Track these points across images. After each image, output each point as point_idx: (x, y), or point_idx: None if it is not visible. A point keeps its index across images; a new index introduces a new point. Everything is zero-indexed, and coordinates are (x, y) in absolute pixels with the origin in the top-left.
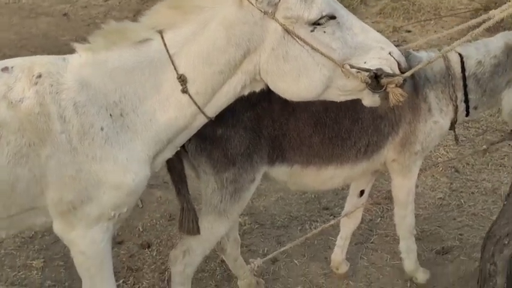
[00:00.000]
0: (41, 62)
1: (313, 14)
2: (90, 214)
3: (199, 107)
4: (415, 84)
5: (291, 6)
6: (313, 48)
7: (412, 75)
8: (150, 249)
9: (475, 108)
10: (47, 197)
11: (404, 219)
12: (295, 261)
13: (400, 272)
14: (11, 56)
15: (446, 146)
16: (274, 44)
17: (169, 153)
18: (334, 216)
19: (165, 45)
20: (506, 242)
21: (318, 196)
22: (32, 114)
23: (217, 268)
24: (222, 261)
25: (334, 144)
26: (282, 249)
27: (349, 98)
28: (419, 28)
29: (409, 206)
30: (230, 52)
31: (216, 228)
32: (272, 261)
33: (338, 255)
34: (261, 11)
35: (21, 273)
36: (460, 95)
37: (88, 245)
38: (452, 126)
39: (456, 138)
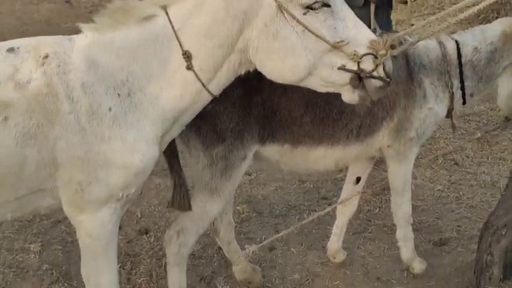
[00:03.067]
0: (47, 43)
1: None
2: (98, 196)
3: (203, 84)
4: (410, 71)
5: None
6: (303, 30)
7: (407, 62)
8: (147, 235)
9: (471, 95)
10: (56, 178)
11: (400, 207)
12: (293, 250)
13: (398, 262)
14: None
15: (446, 138)
16: (267, 20)
17: (175, 132)
18: None
19: (169, 20)
20: (503, 233)
21: (316, 186)
22: (39, 95)
23: (215, 255)
24: (220, 248)
25: (324, 125)
26: (277, 235)
27: (330, 90)
28: (423, 22)
29: (405, 194)
30: (228, 24)
31: (209, 207)
32: (269, 249)
33: (334, 243)
34: None
35: (18, 256)
36: (456, 82)
37: (96, 227)
38: (449, 114)
39: (453, 126)
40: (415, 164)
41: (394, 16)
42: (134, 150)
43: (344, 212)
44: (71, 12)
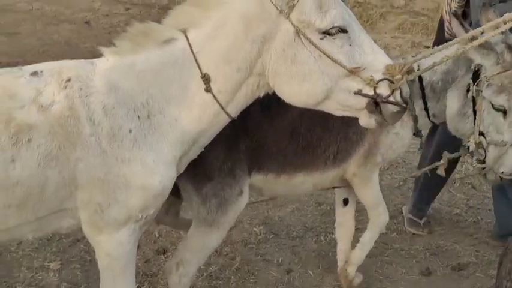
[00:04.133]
0: (70, 66)
1: (325, 23)
2: (117, 217)
3: (222, 106)
4: None
5: (306, 10)
6: (320, 55)
7: None
8: (165, 255)
9: (434, 115)
10: (76, 199)
11: (379, 218)
12: (310, 272)
13: (415, 286)
14: (33, 62)
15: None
16: (285, 45)
17: (194, 154)
18: None
19: (189, 44)
20: None
21: (333, 208)
22: (62, 117)
23: (232, 276)
24: (237, 269)
25: (306, 153)
26: None
27: (347, 114)
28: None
29: (380, 205)
30: (246, 48)
31: (208, 239)
32: (287, 271)
33: (342, 269)
34: (277, 9)
35: (38, 274)
36: (420, 103)
37: (115, 247)
38: (417, 134)
39: (420, 147)
40: None
41: (409, 38)
42: (154, 172)
43: (343, 236)
44: (89, 32)
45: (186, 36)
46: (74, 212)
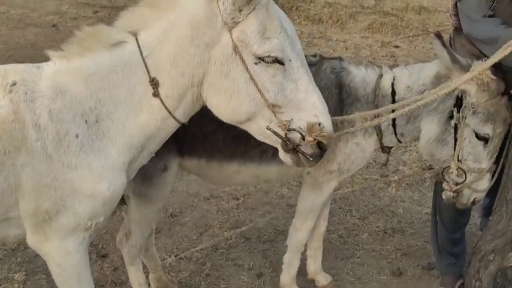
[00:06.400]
0: (15, 70)
1: (261, 50)
2: (66, 225)
3: (169, 111)
4: (341, 102)
5: (248, 31)
6: (250, 78)
7: (340, 92)
8: None
9: (402, 135)
10: (21, 207)
11: (297, 233)
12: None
13: (387, 287)
14: None
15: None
16: (223, 58)
17: (144, 160)
18: None
19: (139, 47)
20: (491, 258)
21: None
22: (6, 122)
23: (202, 282)
24: (207, 274)
25: (237, 142)
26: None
27: (267, 142)
28: (408, 43)
29: (307, 221)
30: (191, 53)
31: (142, 210)
32: (257, 275)
33: (311, 265)
34: (222, 20)
35: (2, 286)
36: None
37: (63, 257)
38: (384, 150)
39: (385, 163)
40: (403, 187)
41: (378, 38)
42: (101, 178)
43: (312, 239)
44: (57, 36)
45: (137, 39)
46: (20, 220)
